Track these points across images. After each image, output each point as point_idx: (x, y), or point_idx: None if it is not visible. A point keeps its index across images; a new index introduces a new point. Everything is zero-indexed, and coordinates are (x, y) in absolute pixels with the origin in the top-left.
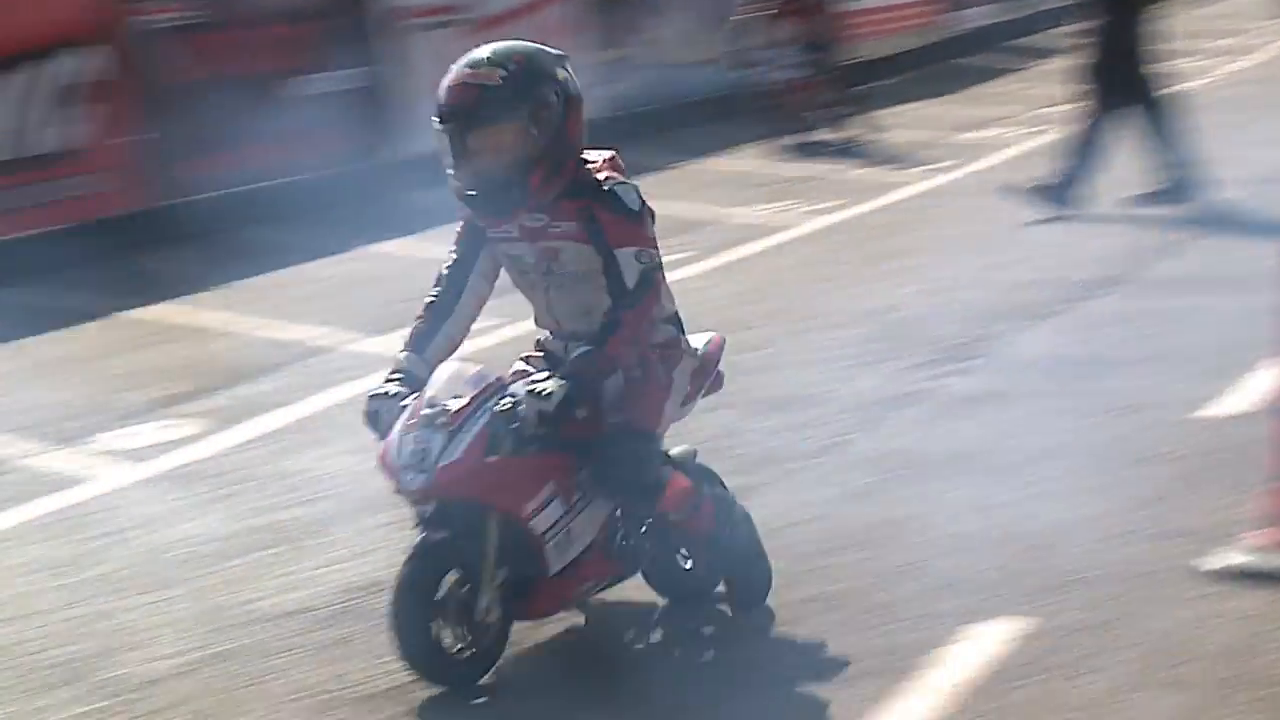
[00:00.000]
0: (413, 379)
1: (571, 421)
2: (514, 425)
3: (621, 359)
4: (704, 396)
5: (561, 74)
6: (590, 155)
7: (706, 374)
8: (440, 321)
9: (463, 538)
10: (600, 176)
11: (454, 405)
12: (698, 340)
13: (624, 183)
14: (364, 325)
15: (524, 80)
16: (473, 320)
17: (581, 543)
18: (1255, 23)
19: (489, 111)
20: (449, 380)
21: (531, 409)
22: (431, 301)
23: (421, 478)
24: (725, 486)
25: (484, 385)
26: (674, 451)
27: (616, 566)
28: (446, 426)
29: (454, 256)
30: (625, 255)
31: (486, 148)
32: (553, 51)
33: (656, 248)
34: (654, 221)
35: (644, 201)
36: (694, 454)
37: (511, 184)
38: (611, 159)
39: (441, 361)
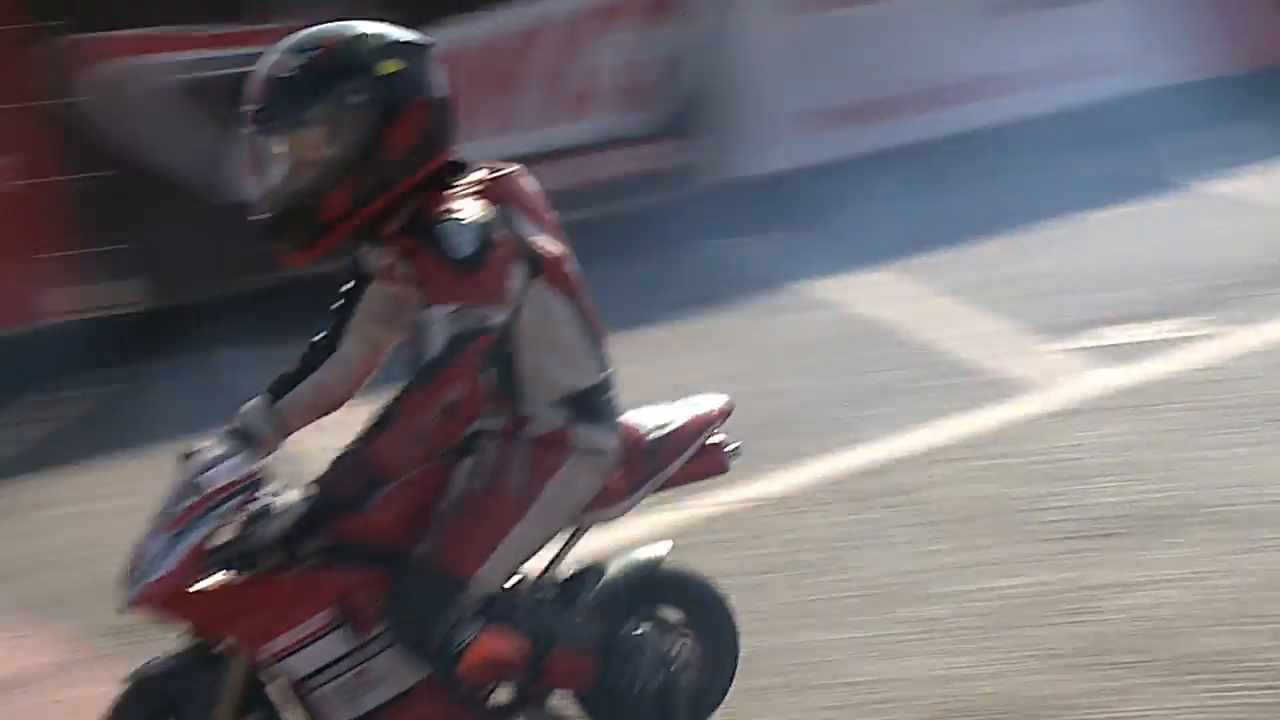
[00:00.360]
0: (244, 436)
1: (308, 549)
2: (245, 543)
3: (398, 460)
4: (685, 484)
5: (386, 68)
6: (473, 176)
7: (652, 465)
8: (311, 364)
9: (206, 668)
10: (446, 206)
11: (189, 501)
12: (684, 410)
13: (459, 218)
14: None
15: (323, 74)
16: (366, 370)
17: (394, 685)
18: None
19: (275, 111)
20: (206, 464)
21: (264, 530)
22: (314, 340)
23: (133, 590)
24: (711, 593)
25: (233, 479)
26: (645, 553)
27: (468, 714)
28: (172, 529)
29: (346, 287)
30: (435, 315)
31: (282, 158)
32: (392, 38)
33: (500, 303)
34: (537, 270)
35: (489, 243)
36: (653, 565)
37: (305, 209)
38: (497, 180)
39: (302, 416)
